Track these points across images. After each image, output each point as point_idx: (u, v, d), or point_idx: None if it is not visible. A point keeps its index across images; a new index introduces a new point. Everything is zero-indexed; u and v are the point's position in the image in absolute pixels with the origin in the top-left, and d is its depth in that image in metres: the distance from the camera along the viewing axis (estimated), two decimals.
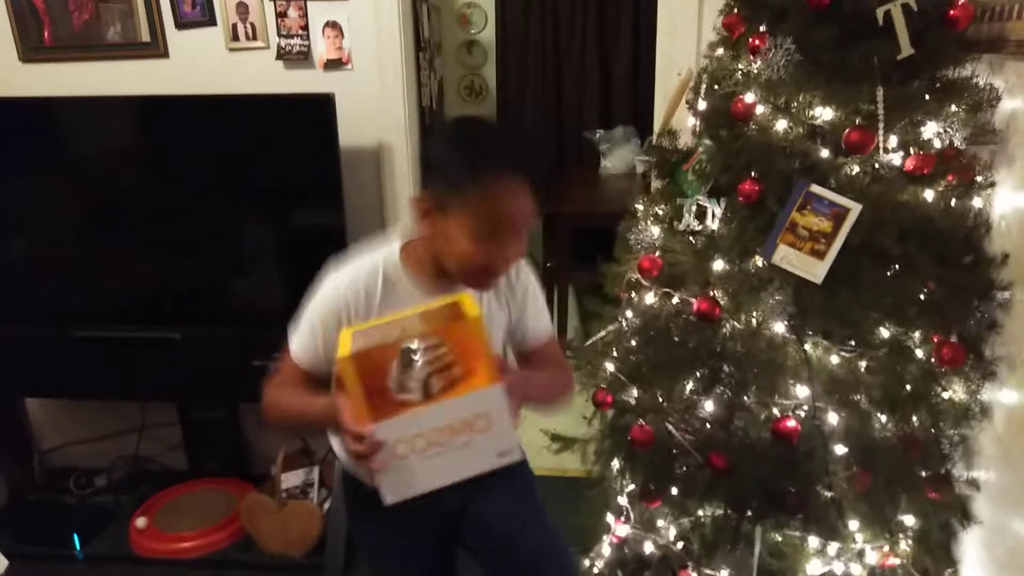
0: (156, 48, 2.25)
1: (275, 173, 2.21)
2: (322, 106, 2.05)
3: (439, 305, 1.09)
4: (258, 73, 2.25)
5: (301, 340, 1.21)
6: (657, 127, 2.21)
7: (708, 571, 1.65)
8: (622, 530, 1.76)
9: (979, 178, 1.44)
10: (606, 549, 1.81)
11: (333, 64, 2.24)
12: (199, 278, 2.31)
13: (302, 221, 2.25)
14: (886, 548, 1.52)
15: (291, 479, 2.32)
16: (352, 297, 1.18)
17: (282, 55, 2.23)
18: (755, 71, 1.51)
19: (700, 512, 1.65)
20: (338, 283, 1.20)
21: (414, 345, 1.02)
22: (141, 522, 2.34)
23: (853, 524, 1.51)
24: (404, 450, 1.02)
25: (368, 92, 2.25)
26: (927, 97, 1.41)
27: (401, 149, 2.33)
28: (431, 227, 1.14)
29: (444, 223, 1.12)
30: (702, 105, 1.65)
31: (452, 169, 1.10)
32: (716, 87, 1.60)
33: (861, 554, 1.53)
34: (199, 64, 2.26)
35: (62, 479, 2.62)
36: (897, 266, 1.44)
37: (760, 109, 1.52)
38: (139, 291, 2.32)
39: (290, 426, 1.58)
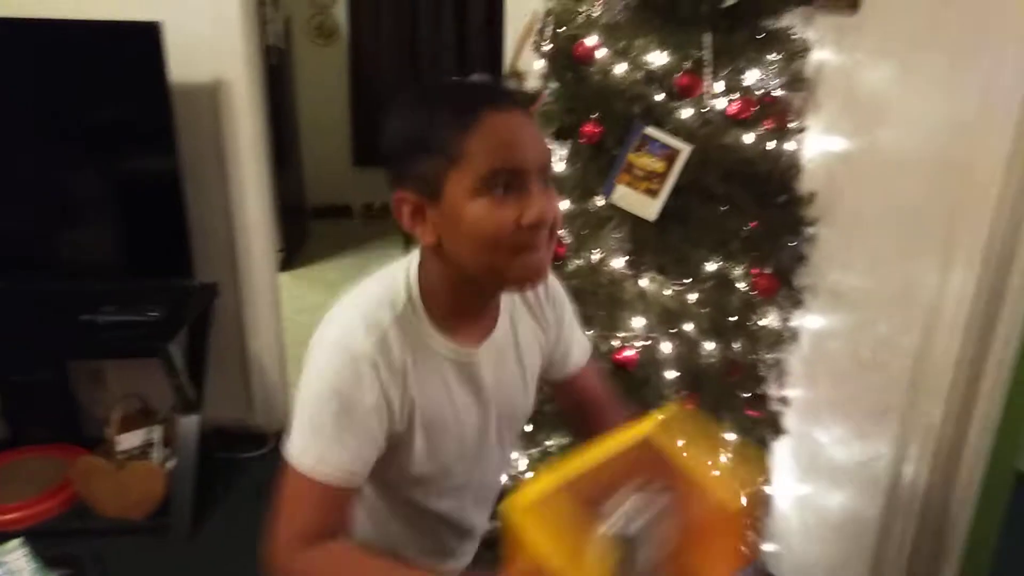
0: None
1: (99, 109, 2.02)
2: (147, 35, 1.89)
3: (630, 441, 0.83)
4: None
5: (330, 448, 0.86)
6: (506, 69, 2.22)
7: None
8: None
9: (792, 123, 1.58)
10: None
11: None
12: (12, 224, 2.08)
13: (131, 164, 2.08)
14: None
15: (130, 440, 2.18)
16: (383, 362, 0.87)
17: None
18: (596, 14, 1.55)
19: (548, 442, 1.74)
20: (355, 347, 0.87)
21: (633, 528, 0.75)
22: None
23: None
24: None
25: (200, 23, 2.09)
26: (750, 46, 1.52)
27: (241, 86, 2.19)
28: (430, 230, 0.87)
29: (445, 212, 0.85)
30: (548, 48, 1.67)
31: (431, 132, 0.84)
32: (561, 29, 1.63)
33: None
34: None
35: None
36: (722, 205, 1.56)
37: (601, 52, 1.57)
38: None
39: None
